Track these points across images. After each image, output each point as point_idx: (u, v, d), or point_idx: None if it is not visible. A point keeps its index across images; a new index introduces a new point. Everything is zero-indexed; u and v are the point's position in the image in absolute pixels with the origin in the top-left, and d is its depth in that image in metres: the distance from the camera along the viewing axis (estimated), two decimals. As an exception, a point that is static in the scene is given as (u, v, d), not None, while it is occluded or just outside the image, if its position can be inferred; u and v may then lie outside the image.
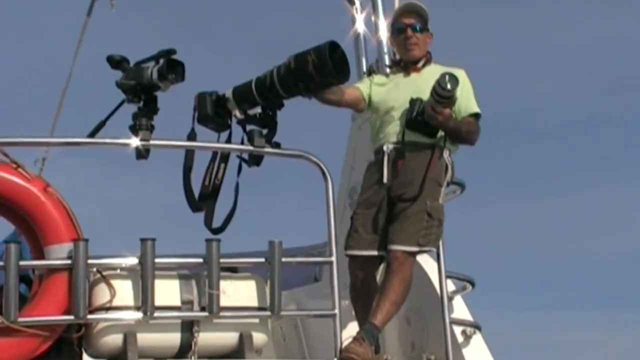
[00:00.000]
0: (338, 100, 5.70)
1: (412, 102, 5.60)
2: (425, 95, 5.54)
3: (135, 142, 5.00)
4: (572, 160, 19.44)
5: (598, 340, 17.90)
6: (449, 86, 5.39)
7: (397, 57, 6.11)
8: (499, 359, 5.94)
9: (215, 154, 5.35)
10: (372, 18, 6.73)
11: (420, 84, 5.70)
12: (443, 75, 5.44)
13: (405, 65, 5.92)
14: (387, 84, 5.90)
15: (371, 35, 6.70)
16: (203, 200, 5.33)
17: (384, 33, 6.52)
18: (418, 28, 5.82)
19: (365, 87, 5.89)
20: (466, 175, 5.93)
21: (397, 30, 5.88)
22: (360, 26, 6.82)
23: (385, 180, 5.56)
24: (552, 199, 18.99)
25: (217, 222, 5.35)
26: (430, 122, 5.51)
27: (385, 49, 6.53)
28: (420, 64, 5.87)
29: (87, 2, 6.64)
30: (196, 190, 5.35)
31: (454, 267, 5.88)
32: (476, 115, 5.76)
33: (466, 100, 5.71)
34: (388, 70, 6.22)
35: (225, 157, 5.35)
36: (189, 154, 5.33)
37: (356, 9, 6.90)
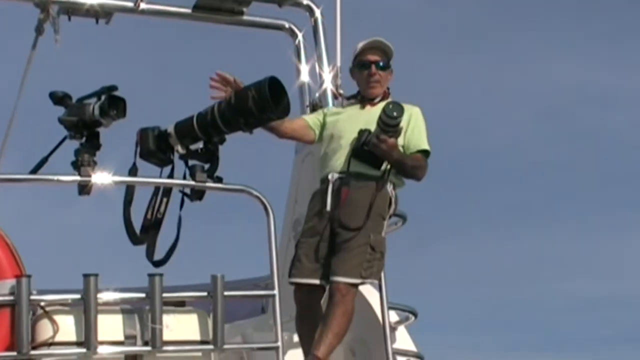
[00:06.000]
0: (291, 130, 5.80)
1: (361, 132, 5.63)
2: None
3: (76, 178, 5.01)
4: (530, 203, 19.65)
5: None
6: (394, 113, 5.44)
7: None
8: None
9: (157, 188, 5.37)
10: (317, 69, 6.82)
11: (373, 115, 5.70)
12: (388, 104, 5.50)
13: (362, 99, 5.96)
14: (341, 114, 5.94)
15: (316, 85, 6.77)
16: (145, 234, 5.34)
17: (328, 84, 6.61)
18: (382, 65, 5.87)
19: (315, 119, 5.93)
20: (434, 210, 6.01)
21: (361, 66, 5.90)
22: (304, 77, 6.90)
23: (328, 208, 5.59)
24: (510, 241, 19.19)
25: (159, 256, 5.36)
26: (374, 150, 5.54)
27: (330, 100, 6.63)
28: (377, 100, 5.90)
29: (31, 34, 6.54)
30: (137, 223, 5.35)
31: (412, 300, 6.01)
32: (425, 152, 5.78)
33: (417, 137, 5.74)
34: (345, 102, 6.23)
35: (167, 191, 5.37)
36: (130, 188, 5.34)
37: (300, 59, 6.97)
